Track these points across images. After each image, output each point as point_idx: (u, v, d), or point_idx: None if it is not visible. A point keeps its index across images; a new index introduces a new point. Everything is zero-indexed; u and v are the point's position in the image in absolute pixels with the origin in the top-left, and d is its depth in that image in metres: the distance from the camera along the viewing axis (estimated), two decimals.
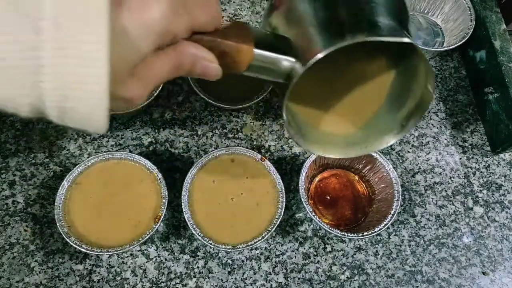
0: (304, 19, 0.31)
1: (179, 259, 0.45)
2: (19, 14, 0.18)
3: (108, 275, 0.44)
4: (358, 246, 0.47)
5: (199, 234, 0.42)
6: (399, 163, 0.52)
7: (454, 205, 0.51)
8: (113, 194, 0.44)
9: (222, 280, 0.45)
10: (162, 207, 0.43)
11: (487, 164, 0.54)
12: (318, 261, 0.46)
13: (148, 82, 0.24)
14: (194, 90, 0.48)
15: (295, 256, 0.46)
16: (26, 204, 0.46)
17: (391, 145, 0.46)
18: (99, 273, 0.44)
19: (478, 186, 0.52)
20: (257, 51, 0.29)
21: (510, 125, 0.50)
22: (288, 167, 0.51)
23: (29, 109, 0.20)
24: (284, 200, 0.44)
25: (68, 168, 0.48)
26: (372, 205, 0.48)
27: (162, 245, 0.46)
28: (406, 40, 0.29)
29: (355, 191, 0.49)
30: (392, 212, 0.44)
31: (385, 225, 0.43)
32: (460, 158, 0.53)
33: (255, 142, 0.52)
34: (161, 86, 0.49)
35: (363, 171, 0.49)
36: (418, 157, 0.53)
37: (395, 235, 0.48)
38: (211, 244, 0.41)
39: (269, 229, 0.43)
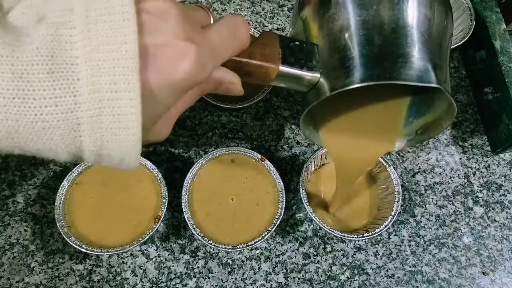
0: (341, 39, 0.31)
1: (179, 259, 0.45)
2: (57, 78, 0.20)
3: (108, 275, 0.44)
4: (358, 246, 0.47)
5: (199, 234, 0.42)
6: (399, 163, 0.52)
7: (454, 205, 0.51)
8: (113, 194, 0.44)
9: (222, 280, 0.45)
10: (162, 207, 0.43)
11: (487, 164, 0.53)
12: (318, 261, 0.46)
13: (172, 121, 0.26)
14: None
15: (295, 256, 0.46)
16: (26, 204, 0.46)
17: None
18: (99, 273, 0.44)
19: (478, 186, 0.52)
20: (283, 68, 0.29)
21: (510, 125, 0.50)
22: (288, 167, 0.51)
23: (69, 156, 0.22)
24: (284, 200, 0.44)
25: (68, 168, 0.48)
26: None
27: (162, 245, 0.46)
28: (442, 88, 0.30)
29: None
30: (393, 213, 0.44)
31: (386, 226, 0.43)
32: (460, 158, 0.53)
33: (255, 142, 0.52)
34: None
35: None
36: (418, 157, 0.53)
37: (395, 235, 0.48)
38: (211, 244, 0.41)
39: (269, 229, 0.43)
